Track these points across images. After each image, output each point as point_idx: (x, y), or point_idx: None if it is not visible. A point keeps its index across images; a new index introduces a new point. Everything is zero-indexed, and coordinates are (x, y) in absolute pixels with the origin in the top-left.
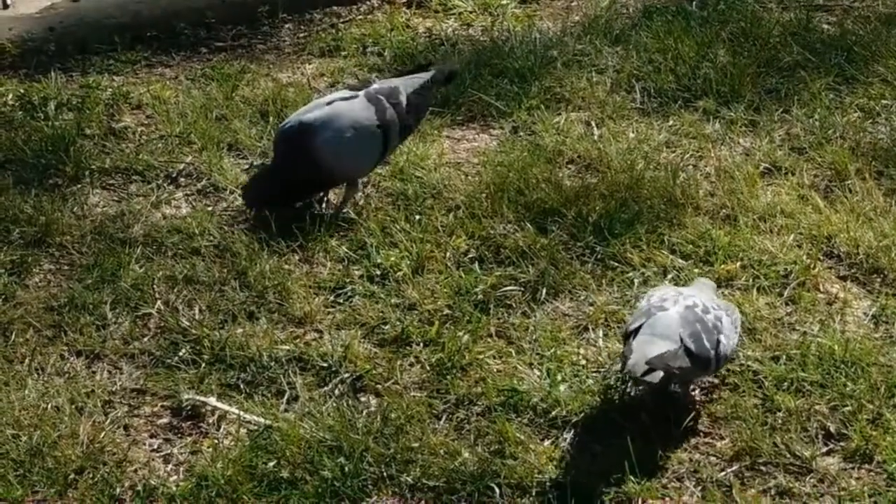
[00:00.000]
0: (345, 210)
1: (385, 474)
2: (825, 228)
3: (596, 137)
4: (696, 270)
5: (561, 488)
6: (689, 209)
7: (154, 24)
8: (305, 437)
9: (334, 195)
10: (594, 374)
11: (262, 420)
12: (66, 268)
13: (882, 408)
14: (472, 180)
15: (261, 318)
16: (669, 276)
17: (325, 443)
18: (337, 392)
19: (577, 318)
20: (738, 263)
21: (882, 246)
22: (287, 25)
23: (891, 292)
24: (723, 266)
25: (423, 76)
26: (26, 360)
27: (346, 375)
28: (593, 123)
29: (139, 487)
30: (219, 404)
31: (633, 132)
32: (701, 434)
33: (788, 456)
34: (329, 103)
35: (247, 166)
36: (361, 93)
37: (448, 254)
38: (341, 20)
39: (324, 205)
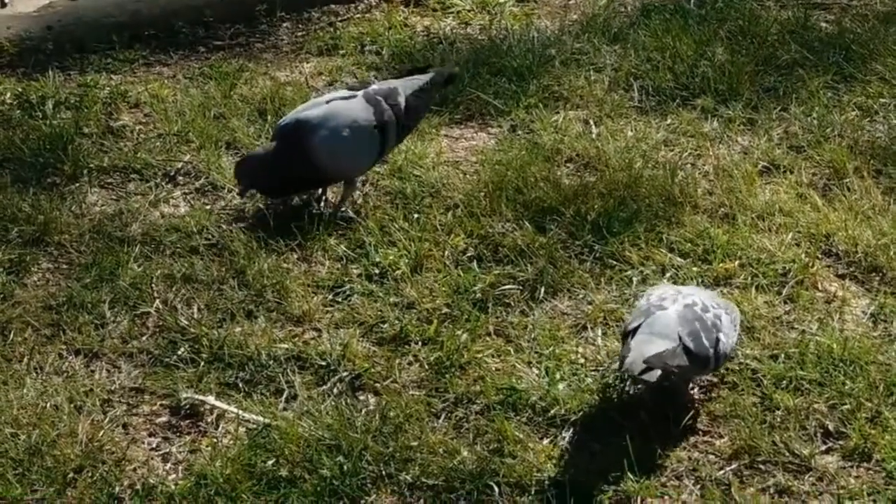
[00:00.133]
0: (343, 209)
1: (384, 473)
2: (823, 227)
3: (594, 136)
4: (694, 269)
5: (560, 487)
6: (687, 208)
7: (152, 22)
8: (304, 436)
9: (332, 194)
10: (593, 373)
11: (260, 419)
12: (64, 267)
13: (881, 406)
14: (471, 179)
15: (259, 317)
16: (668, 275)
17: (323, 441)
18: (336, 391)
19: (575, 317)
20: (737, 262)
21: (880, 244)
22: (285, 24)
23: (889, 291)
24: (721, 264)
25: (423, 78)
26: (25, 359)
27: (345, 374)
28: (591, 122)
29: (138, 486)
30: (217, 403)
31: (631, 131)
32: (700, 432)
33: (787, 454)
34: (327, 102)
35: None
36: (360, 93)
37: (446, 252)
38: (339, 19)
39: (322, 204)
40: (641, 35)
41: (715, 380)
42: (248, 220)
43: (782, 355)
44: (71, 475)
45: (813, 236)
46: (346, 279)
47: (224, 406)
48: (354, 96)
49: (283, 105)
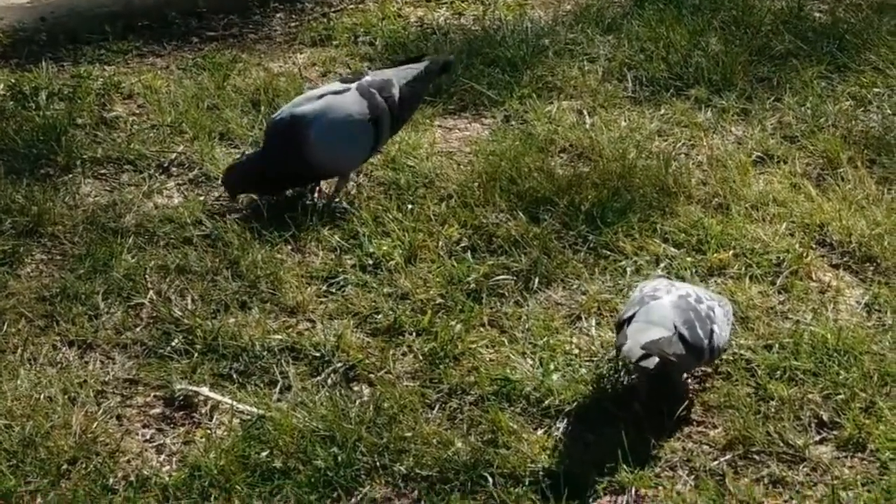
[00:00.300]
0: (337, 200)
1: (378, 464)
2: (817, 217)
3: (588, 126)
4: (688, 259)
5: (554, 477)
6: (681, 198)
7: (146, 13)
8: (298, 427)
9: (326, 185)
10: (587, 364)
11: (254, 410)
12: (58, 258)
13: (875, 396)
14: (465, 169)
15: (253, 308)
16: (662, 265)
17: (317, 432)
18: (330, 382)
19: (569, 307)
20: (731, 252)
21: (874, 234)
22: (278, 15)
23: (883, 281)
24: (715, 255)
25: (417, 67)
26: (18, 351)
27: (339, 365)
28: (585, 112)
29: (132, 478)
30: (211, 394)
31: (624, 121)
32: (694, 423)
33: (781, 445)
34: (321, 96)
35: (238, 155)
36: (353, 86)
37: (440, 243)
38: (332, 9)
39: (316, 195)
40: (635, 25)
41: (709, 370)
42: (242, 211)
43: (776, 345)
44: (65, 467)
45: (807, 226)
46: (340, 270)
47: (218, 397)
48: (348, 89)
49: (276, 96)
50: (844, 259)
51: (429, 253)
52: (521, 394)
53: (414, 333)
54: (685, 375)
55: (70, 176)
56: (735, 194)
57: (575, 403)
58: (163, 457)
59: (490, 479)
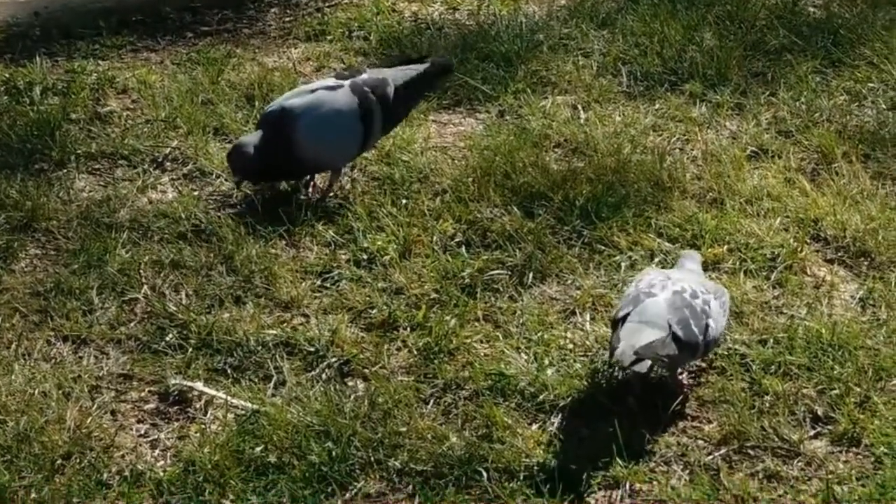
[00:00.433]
0: (331, 194)
1: (372, 459)
2: (812, 211)
3: (582, 121)
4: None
5: (548, 472)
6: (675, 193)
7: (140, 8)
8: (293, 422)
9: (321, 179)
10: (581, 358)
11: (249, 405)
12: (52, 253)
13: (869, 391)
14: (459, 164)
15: (248, 303)
16: (657, 260)
17: (312, 427)
18: (324, 377)
19: (564, 302)
20: (725, 247)
21: (869, 229)
22: (273, 10)
23: (878, 275)
24: (710, 249)
25: (417, 69)
26: (12, 346)
27: (334, 360)
28: (580, 107)
29: (126, 473)
30: (206, 389)
31: (619, 116)
32: (688, 418)
33: (776, 439)
34: (313, 91)
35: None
36: (347, 83)
37: (435, 238)
38: (327, 4)
39: (310, 189)
40: (630, 20)
41: (704, 365)
42: (237, 206)
43: (771, 340)
44: (59, 462)
45: (801, 221)
46: (335, 265)
47: (212, 392)
48: (341, 86)
49: (270, 91)
50: (839, 254)
51: (423, 248)
52: (516, 389)
53: (408, 328)
54: (679, 370)
55: (64, 171)
56: (729, 189)
57: (569, 398)
58: (157, 452)
59: (485, 474)
